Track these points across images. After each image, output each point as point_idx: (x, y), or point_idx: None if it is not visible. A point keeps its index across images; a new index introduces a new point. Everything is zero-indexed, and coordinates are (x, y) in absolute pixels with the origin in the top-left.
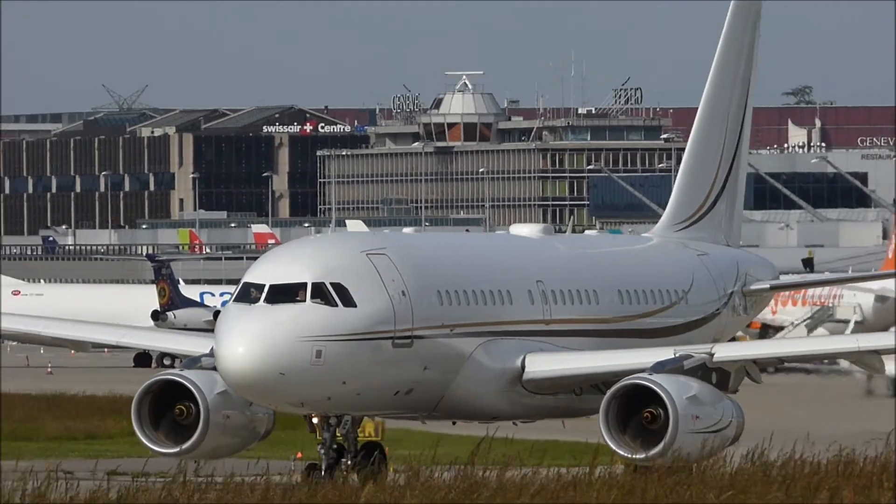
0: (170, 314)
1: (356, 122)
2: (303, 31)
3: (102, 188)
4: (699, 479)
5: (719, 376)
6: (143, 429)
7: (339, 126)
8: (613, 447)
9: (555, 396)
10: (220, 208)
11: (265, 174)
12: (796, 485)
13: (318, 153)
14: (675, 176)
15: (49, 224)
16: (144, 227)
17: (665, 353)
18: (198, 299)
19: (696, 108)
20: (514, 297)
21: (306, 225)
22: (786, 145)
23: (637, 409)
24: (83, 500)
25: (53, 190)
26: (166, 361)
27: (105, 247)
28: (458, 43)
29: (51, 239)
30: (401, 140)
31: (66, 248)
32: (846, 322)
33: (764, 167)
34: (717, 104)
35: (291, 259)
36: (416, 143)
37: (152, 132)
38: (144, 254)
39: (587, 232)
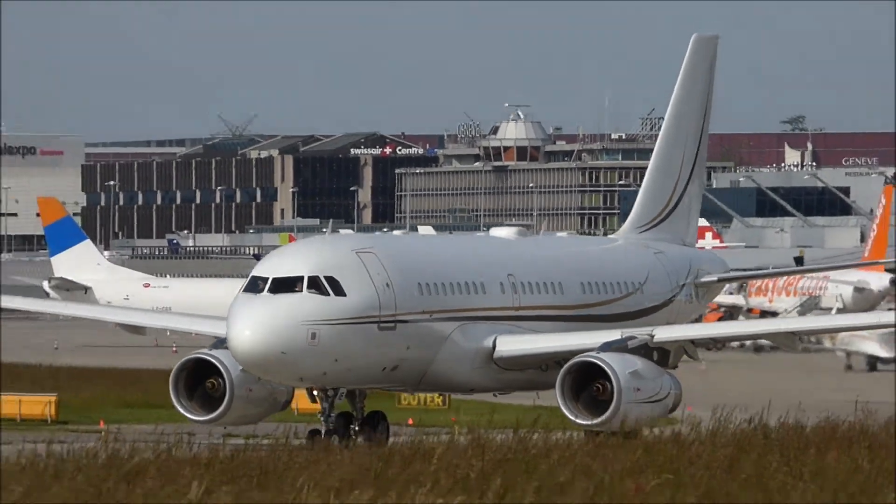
0: None
1: (427, 145)
2: (383, 70)
3: (218, 200)
4: (708, 440)
5: (660, 354)
6: (179, 400)
7: (413, 149)
8: (568, 415)
9: (523, 372)
10: (314, 216)
11: (352, 188)
12: (789, 445)
13: (396, 171)
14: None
15: (173, 229)
16: (252, 231)
17: (613, 335)
18: None
19: (710, 135)
20: (488, 287)
21: (385, 230)
22: (783, 164)
23: (588, 382)
24: (204, 457)
25: (178, 202)
26: None
27: (219, 248)
28: (513, 79)
29: (175, 241)
30: (464, 160)
31: (188, 248)
32: (830, 309)
33: (764, 182)
34: (678, 127)
35: (292, 256)
36: (477, 163)
37: (259, 154)
38: (251, 254)
39: (558, 234)
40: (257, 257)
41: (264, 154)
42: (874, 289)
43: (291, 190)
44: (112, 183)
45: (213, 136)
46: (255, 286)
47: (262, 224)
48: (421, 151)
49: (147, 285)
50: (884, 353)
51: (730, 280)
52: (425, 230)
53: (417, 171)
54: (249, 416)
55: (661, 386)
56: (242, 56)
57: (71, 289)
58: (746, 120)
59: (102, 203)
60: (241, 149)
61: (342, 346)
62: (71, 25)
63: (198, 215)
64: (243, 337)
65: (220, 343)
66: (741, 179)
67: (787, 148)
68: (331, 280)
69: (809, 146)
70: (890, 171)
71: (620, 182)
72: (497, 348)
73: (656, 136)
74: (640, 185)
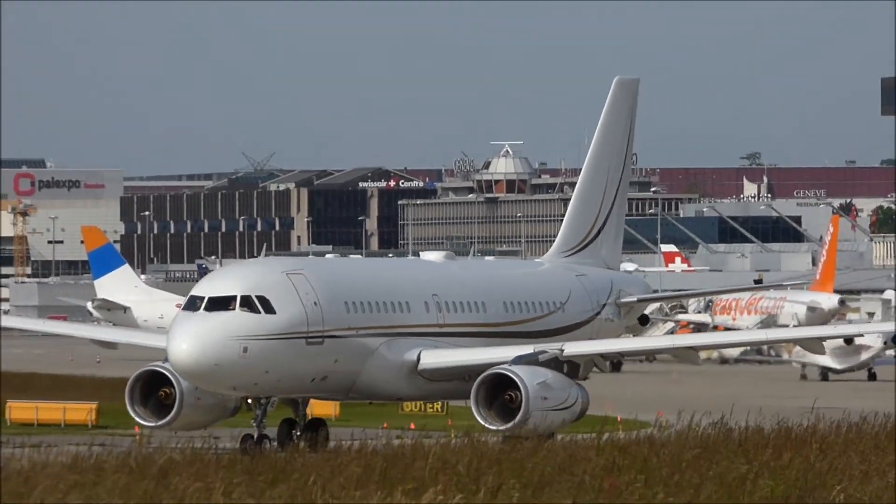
0: None
1: (427, 178)
2: (388, 112)
3: (241, 228)
4: (677, 441)
5: (570, 367)
6: (133, 407)
7: (415, 182)
8: (481, 421)
9: (449, 382)
10: (327, 243)
11: (360, 218)
12: (749, 445)
13: (399, 202)
14: (659, 219)
15: (202, 255)
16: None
17: (527, 349)
18: None
19: (677, 170)
20: (412, 306)
21: (390, 255)
22: (742, 196)
23: (501, 392)
24: (225, 459)
25: (206, 230)
26: None
27: None
28: (502, 120)
29: (203, 266)
30: (460, 192)
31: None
32: (787, 326)
33: (725, 212)
34: (600, 161)
35: (226, 277)
36: (471, 195)
37: (278, 187)
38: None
39: (486, 258)
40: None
41: (282, 187)
42: (825, 308)
43: (306, 219)
44: (147, 213)
45: (237, 170)
46: (192, 305)
47: (280, 250)
48: (421, 184)
49: (179, 305)
50: (835, 364)
51: (648, 300)
52: (429, 255)
53: (418, 202)
54: (198, 422)
55: (569, 395)
56: (263, 98)
57: (112, 309)
58: (709, 155)
59: (139, 231)
60: (261, 182)
61: (272, 359)
62: (111, 72)
63: (224, 242)
64: (180, 350)
65: None
66: (705, 209)
67: (745, 181)
68: (261, 299)
69: (765, 179)
70: (836, 203)
71: None
72: (421, 361)
73: (630, 170)
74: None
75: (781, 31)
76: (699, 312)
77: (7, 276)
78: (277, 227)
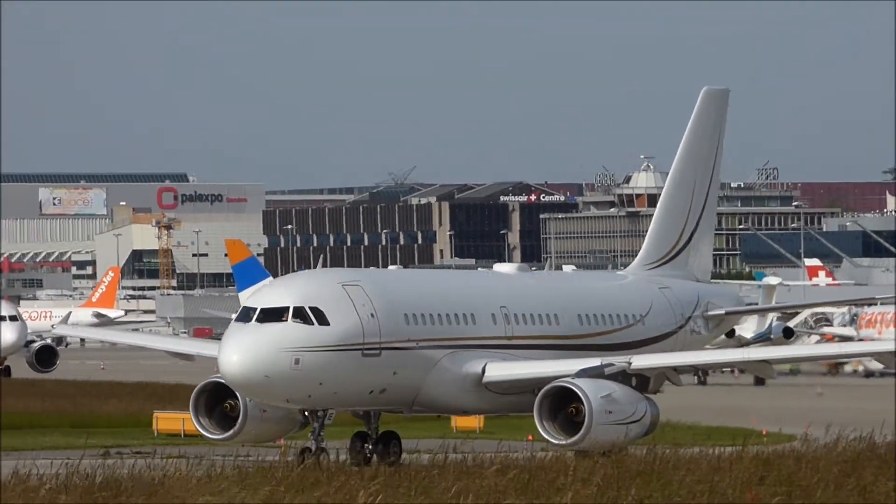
0: None
1: (568, 192)
2: (531, 126)
3: (384, 242)
4: (825, 455)
5: (639, 380)
6: (198, 419)
7: (556, 196)
8: (544, 434)
9: (515, 395)
10: (469, 256)
11: (502, 231)
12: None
13: (541, 216)
14: (802, 233)
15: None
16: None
17: (593, 362)
18: None
19: (819, 184)
20: (478, 318)
21: (533, 268)
22: (885, 210)
23: (565, 405)
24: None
25: (348, 244)
26: None
27: None
28: (642, 132)
29: None
30: (601, 206)
31: None
32: None
33: (869, 226)
34: (686, 174)
35: (280, 289)
36: (612, 209)
37: (419, 201)
38: None
39: (564, 268)
40: None
41: (424, 201)
42: None
43: (449, 233)
44: (290, 227)
45: (378, 185)
46: (245, 316)
47: (423, 263)
48: (562, 198)
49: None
50: None
51: (736, 313)
52: (568, 268)
53: (559, 216)
54: (263, 435)
55: (637, 409)
56: (405, 115)
57: None
58: (852, 170)
59: (282, 244)
60: (403, 196)
61: (326, 371)
62: (252, 87)
63: (366, 255)
64: (231, 362)
65: None
66: (848, 224)
67: (888, 195)
68: (315, 310)
69: None
70: None
71: (741, 226)
72: (486, 373)
73: (771, 184)
74: (758, 229)
75: None
76: (844, 326)
77: (153, 287)
78: (420, 241)
